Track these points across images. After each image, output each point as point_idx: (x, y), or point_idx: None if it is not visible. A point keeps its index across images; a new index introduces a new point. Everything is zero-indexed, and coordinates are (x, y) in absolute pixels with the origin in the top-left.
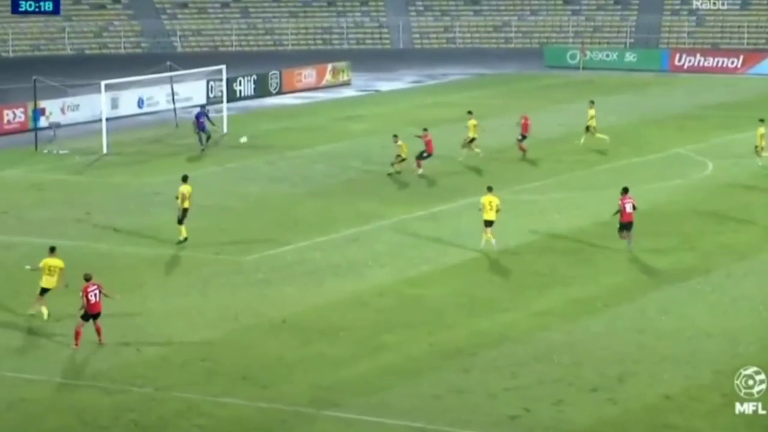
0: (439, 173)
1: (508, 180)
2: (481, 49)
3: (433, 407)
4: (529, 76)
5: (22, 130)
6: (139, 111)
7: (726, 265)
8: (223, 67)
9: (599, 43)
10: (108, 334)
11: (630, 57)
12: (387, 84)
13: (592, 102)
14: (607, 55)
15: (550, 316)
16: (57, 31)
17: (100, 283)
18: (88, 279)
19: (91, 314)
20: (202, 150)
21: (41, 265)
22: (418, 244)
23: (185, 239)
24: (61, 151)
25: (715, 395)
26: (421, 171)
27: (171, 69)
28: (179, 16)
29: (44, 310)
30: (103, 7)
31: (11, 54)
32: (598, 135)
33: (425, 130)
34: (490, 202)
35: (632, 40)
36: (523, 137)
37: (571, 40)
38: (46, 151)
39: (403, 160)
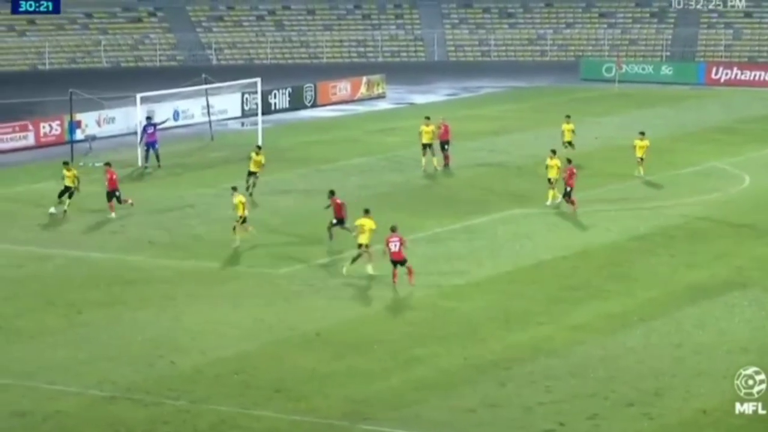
0: (473, 186)
1: (543, 194)
2: (516, 62)
3: (467, 421)
4: (565, 89)
5: (58, 142)
6: (174, 123)
7: (763, 279)
8: (258, 79)
9: (635, 56)
10: (142, 346)
11: (666, 70)
12: (422, 97)
13: (568, 116)
14: (643, 69)
15: (585, 330)
16: (93, 44)
17: (402, 237)
18: (393, 230)
19: (395, 261)
20: (146, 167)
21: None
22: (452, 257)
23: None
24: (96, 164)
25: None
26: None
27: (206, 82)
28: (214, 29)
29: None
30: (139, 20)
31: (48, 67)
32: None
33: (107, 164)
34: (361, 224)
35: (668, 53)
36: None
37: (606, 54)
38: (81, 164)
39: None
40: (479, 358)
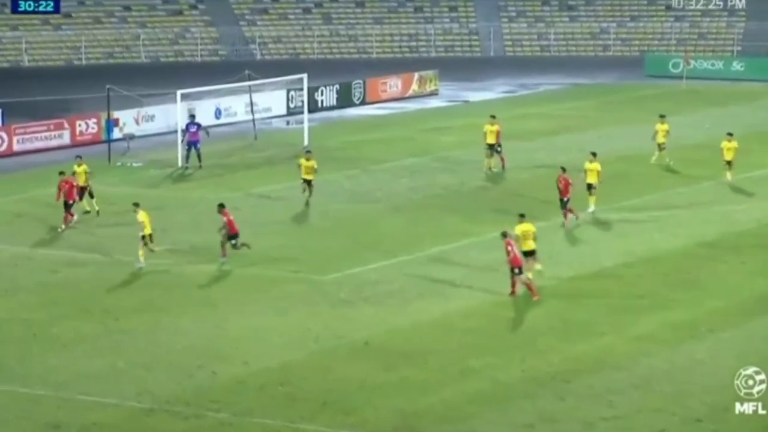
0: (530, 189)
1: (605, 197)
2: (577, 57)
3: None
4: (629, 86)
5: (95, 141)
6: (216, 122)
7: None
8: (305, 75)
9: (704, 51)
10: (182, 355)
11: (737, 66)
12: (476, 94)
13: (663, 116)
14: (713, 64)
15: (649, 341)
16: (131, 39)
17: (513, 240)
18: (505, 235)
19: (516, 267)
20: (187, 168)
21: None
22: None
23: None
24: (135, 164)
25: None
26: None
27: (250, 78)
28: (258, 22)
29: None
30: (179, 13)
31: (84, 62)
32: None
33: (61, 173)
34: (524, 231)
35: (740, 48)
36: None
37: (673, 48)
38: (119, 164)
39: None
40: (538, 370)
